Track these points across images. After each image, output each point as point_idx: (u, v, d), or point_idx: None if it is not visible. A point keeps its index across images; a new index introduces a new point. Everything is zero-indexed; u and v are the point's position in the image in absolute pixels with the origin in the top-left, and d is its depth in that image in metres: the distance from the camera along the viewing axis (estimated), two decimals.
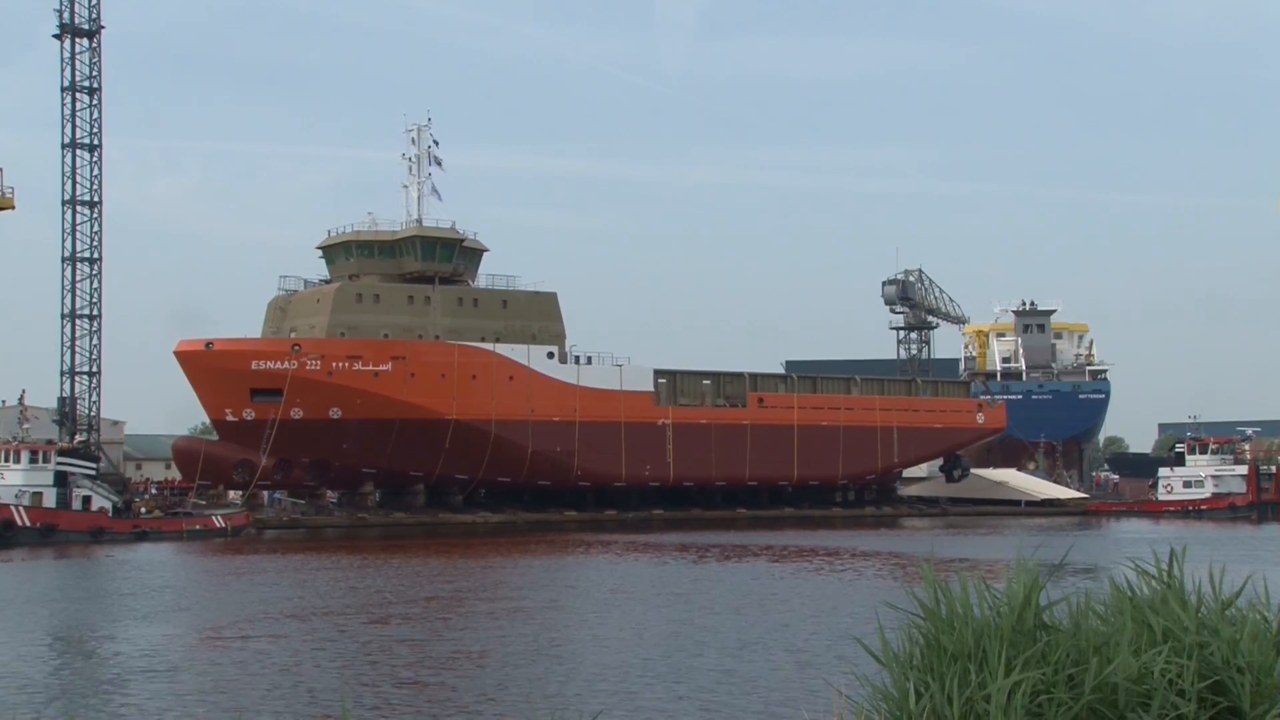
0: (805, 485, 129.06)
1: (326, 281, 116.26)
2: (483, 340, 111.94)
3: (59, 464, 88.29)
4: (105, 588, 58.39)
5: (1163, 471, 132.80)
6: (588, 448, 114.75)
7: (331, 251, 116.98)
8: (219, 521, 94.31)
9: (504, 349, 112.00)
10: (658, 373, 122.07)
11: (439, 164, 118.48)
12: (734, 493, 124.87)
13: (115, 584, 59.53)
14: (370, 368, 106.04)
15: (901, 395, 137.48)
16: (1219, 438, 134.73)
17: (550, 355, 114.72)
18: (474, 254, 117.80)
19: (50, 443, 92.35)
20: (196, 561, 74.45)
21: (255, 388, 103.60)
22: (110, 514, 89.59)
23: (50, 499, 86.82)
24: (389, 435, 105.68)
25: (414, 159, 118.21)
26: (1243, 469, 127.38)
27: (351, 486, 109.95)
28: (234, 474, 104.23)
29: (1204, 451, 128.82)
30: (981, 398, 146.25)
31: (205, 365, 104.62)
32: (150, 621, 44.78)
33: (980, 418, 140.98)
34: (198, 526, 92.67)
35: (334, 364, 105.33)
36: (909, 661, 10.56)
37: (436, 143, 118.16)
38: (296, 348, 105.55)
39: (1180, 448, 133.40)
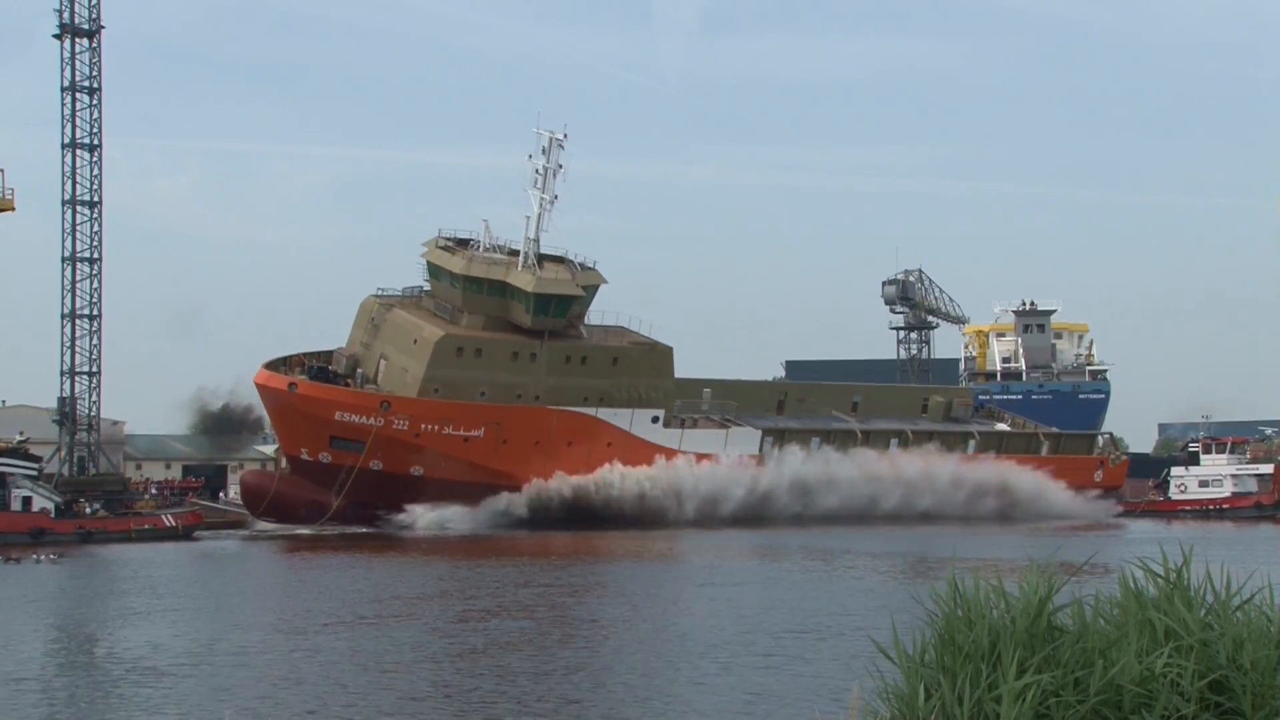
0: None
1: (426, 293, 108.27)
2: (585, 401, 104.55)
3: None
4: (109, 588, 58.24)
5: (1175, 471, 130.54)
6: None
7: (437, 269, 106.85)
8: (168, 520, 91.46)
9: (606, 413, 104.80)
10: (765, 432, 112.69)
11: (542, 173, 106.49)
12: None
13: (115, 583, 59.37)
14: (461, 432, 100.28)
15: (1019, 451, 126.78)
16: (1237, 437, 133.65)
17: (655, 420, 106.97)
18: (590, 289, 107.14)
19: None
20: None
21: (336, 436, 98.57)
22: (52, 514, 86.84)
23: None
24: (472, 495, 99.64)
25: (541, 171, 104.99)
26: (1265, 468, 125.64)
27: None
28: (302, 513, 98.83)
29: (1221, 450, 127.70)
30: (1105, 454, 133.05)
31: (286, 403, 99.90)
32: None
33: (1099, 475, 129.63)
34: (146, 526, 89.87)
35: (423, 425, 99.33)
36: (921, 660, 10.60)
37: (562, 147, 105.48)
38: (386, 405, 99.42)
39: (1194, 446, 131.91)
